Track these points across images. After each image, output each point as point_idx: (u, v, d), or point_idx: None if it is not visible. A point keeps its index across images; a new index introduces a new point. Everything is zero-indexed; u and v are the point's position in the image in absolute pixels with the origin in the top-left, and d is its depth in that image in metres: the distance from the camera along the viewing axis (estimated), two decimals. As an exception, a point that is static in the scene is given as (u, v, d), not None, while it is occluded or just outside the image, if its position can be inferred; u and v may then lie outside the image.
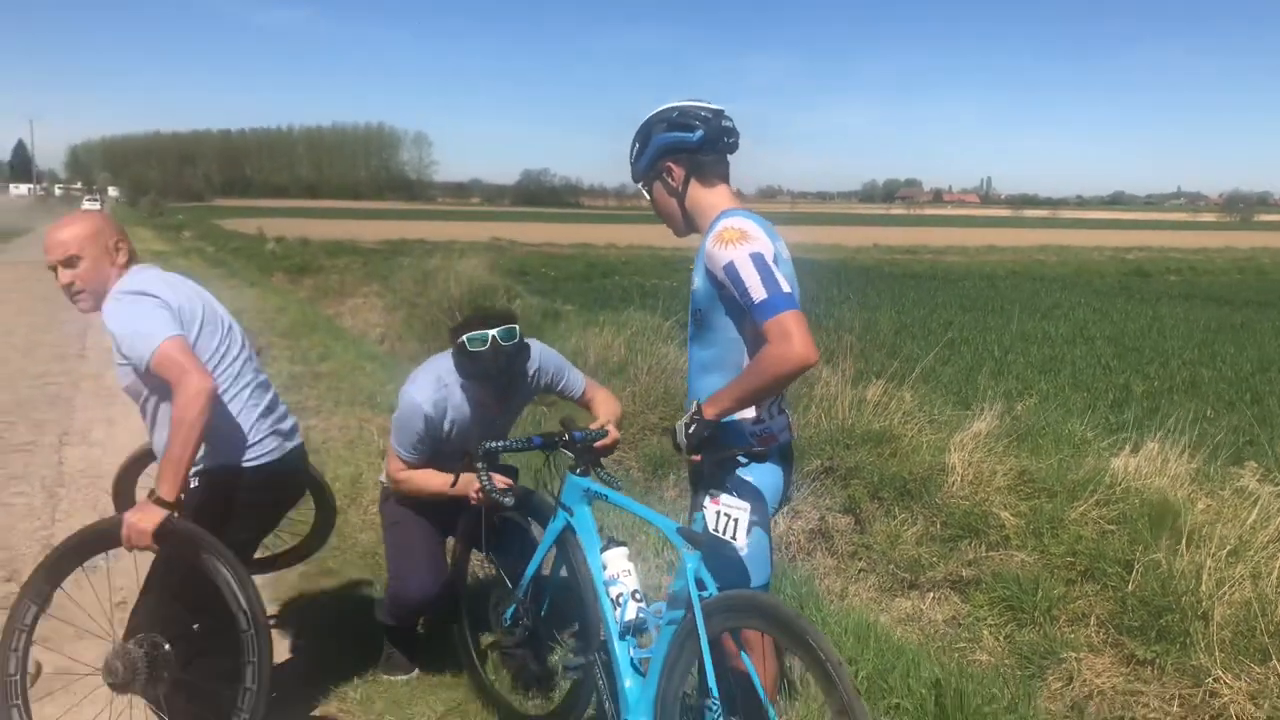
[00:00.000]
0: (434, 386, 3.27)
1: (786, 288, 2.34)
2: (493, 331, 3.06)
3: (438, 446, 3.34)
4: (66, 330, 12.32)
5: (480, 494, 3.05)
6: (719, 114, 2.62)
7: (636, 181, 2.76)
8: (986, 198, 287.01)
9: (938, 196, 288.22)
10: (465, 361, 3.12)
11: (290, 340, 11.67)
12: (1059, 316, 16.12)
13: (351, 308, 15.32)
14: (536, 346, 3.37)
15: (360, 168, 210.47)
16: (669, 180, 2.65)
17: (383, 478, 3.64)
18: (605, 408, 3.45)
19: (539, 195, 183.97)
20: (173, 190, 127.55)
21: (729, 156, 2.69)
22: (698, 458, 2.51)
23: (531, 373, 3.37)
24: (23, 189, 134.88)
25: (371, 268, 19.66)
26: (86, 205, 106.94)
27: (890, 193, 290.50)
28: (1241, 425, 7.43)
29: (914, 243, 46.61)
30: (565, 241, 40.35)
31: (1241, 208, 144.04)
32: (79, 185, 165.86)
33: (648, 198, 2.75)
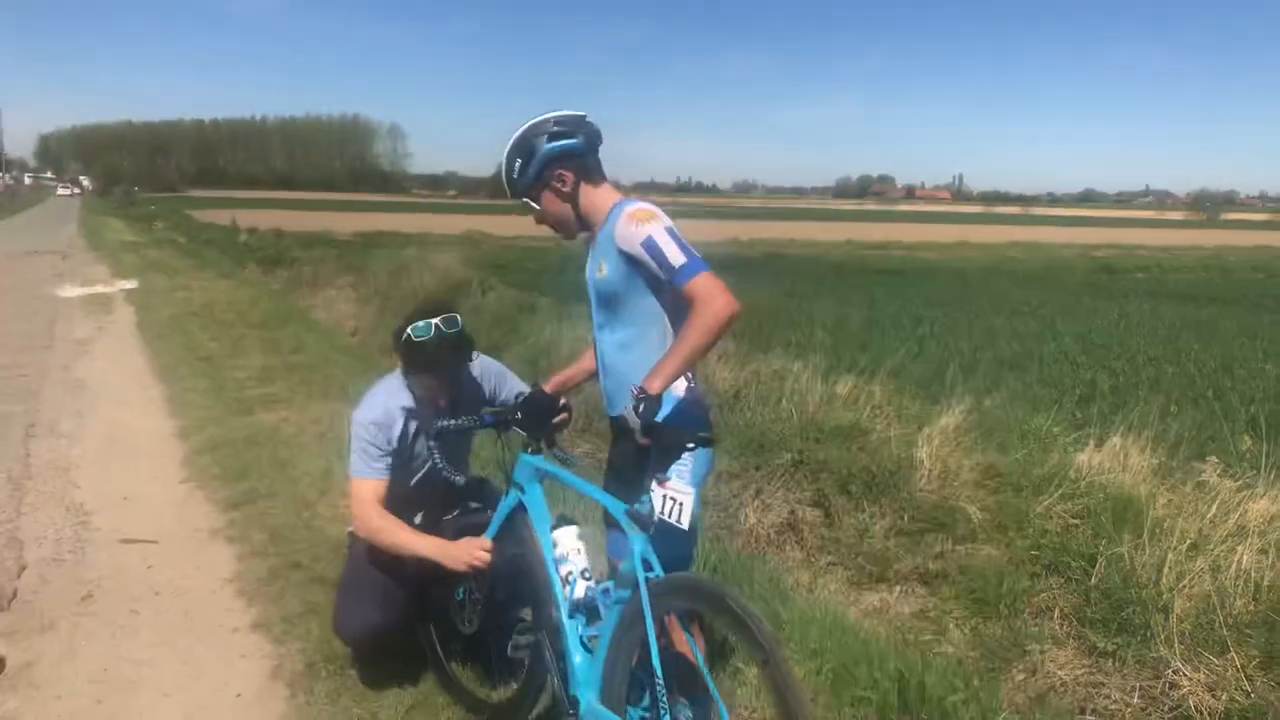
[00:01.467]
0: (381, 394, 3.32)
1: (697, 254, 2.52)
2: (435, 320, 3.12)
3: (401, 456, 3.33)
4: (35, 322, 12.16)
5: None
6: (585, 118, 2.78)
7: (518, 196, 2.83)
8: (959, 194, 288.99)
9: (910, 193, 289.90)
10: (411, 353, 3.15)
11: (263, 332, 11.59)
12: (1028, 313, 16.25)
13: (325, 300, 15.18)
14: (478, 355, 3.45)
15: (335, 159, 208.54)
16: (560, 187, 2.78)
17: (351, 527, 3.50)
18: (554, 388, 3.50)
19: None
20: (145, 180, 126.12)
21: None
22: (647, 441, 2.53)
23: (476, 373, 3.44)
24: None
25: (345, 260, 19.49)
26: (61, 192, 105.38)
27: (864, 189, 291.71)
28: (1204, 420, 7.52)
29: (887, 239, 46.76)
30: (543, 234, 40.12)
31: (1209, 206, 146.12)
32: (50, 174, 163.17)
33: (535, 208, 2.84)
